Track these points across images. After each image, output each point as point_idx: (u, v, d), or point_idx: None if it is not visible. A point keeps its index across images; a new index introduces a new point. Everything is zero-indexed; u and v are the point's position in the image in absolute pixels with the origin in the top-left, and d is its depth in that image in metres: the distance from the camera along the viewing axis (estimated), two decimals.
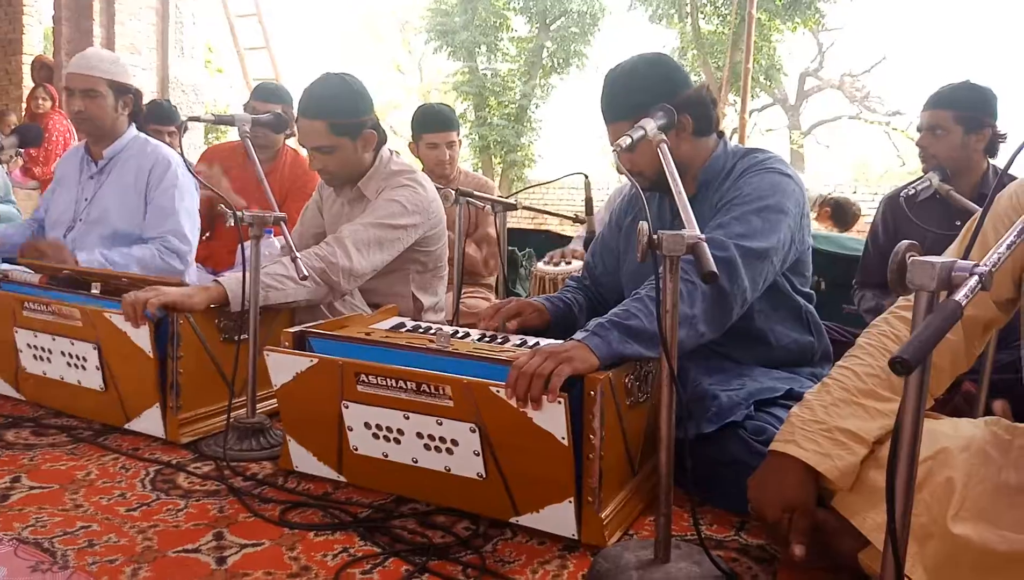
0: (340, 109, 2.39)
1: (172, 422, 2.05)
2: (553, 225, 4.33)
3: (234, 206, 2.01)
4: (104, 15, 8.28)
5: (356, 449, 1.73)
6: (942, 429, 1.34)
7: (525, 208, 3.05)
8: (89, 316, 2.08)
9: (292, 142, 3.66)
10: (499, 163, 19.67)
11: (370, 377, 1.63)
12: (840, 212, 5.10)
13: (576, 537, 1.53)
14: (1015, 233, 1.01)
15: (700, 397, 1.78)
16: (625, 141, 1.57)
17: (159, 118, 4.07)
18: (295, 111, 3.36)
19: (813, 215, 5.12)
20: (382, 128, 2.54)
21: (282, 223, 2.02)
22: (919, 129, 2.51)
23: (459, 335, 1.91)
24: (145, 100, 4.25)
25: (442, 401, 1.55)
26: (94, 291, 2.28)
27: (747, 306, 1.78)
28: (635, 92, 1.86)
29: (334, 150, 2.41)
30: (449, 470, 1.62)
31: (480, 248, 3.55)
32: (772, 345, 1.94)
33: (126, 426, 2.11)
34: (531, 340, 1.84)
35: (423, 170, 3.35)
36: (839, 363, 1.47)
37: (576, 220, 3.10)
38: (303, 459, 1.84)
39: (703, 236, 1.34)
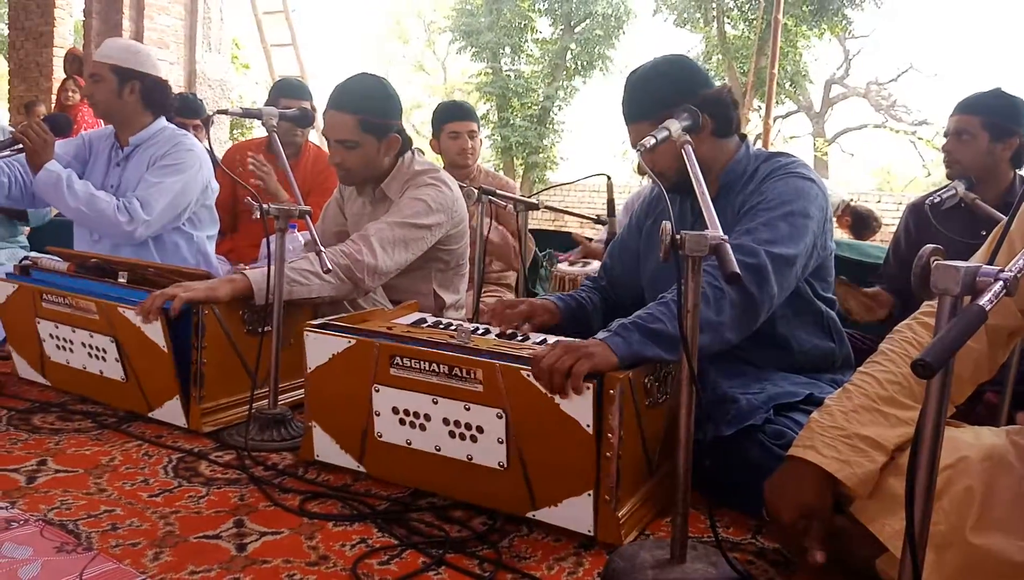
0: (372, 107, 2.41)
1: (195, 411, 2.07)
2: (574, 226, 4.33)
3: (259, 199, 2.03)
4: (133, 9, 8.37)
5: (380, 435, 1.74)
6: (963, 437, 1.33)
7: (547, 208, 3.06)
8: (104, 310, 2.11)
9: (314, 138, 3.70)
10: (521, 164, 19.70)
11: (404, 359, 1.66)
12: (860, 222, 5.07)
13: (592, 533, 1.54)
14: None
15: (719, 400, 1.78)
16: (649, 141, 1.58)
17: (184, 111, 4.12)
18: (318, 107, 3.40)
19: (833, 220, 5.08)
20: (407, 134, 2.55)
21: (307, 217, 2.04)
22: (946, 134, 2.50)
23: (479, 332, 1.93)
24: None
25: (472, 386, 1.58)
26: (121, 280, 2.31)
27: (772, 312, 1.78)
28: (656, 92, 1.87)
29: (358, 146, 2.42)
30: (471, 459, 1.63)
31: (498, 232, 3.55)
32: (793, 350, 1.94)
33: (149, 415, 2.14)
34: (551, 338, 1.85)
35: (444, 163, 3.38)
36: (860, 369, 1.47)
37: (598, 221, 3.10)
38: (325, 447, 1.85)
39: (726, 237, 1.35)
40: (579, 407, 1.48)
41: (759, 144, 9.60)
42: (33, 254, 2.71)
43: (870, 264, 3.10)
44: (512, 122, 19.53)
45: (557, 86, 19.65)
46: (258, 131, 3.44)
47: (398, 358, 1.67)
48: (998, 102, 2.42)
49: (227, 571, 1.38)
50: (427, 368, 1.64)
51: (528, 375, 1.51)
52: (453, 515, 1.64)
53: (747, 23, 18.08)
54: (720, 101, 1.89)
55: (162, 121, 2.92)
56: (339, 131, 2.41)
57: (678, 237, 1.33)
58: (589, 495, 1.52)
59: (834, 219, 5.05)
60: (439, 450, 1.67)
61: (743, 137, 2.00)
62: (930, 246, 1.03)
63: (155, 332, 2.02)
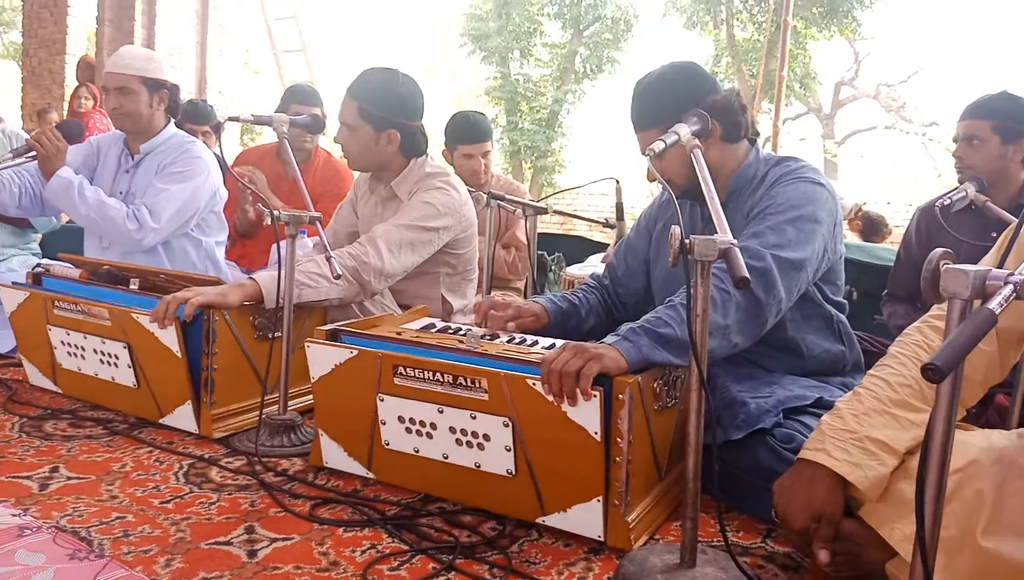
0: (373, 99, 2.45)
1: (205, 417, 2.08)
2: (583, 230, 4.33)
3: (270, 206, 2.04)
4: (145, 16, 8.43)
5: (388, 444, 1.75)
6: (973, 441, 1.32)
7: (556, 212, 3.06)
8: (118, 317, 2.12)
9: (324, 143, 3.71)
10: (529, 168, 19.72)
11: (407, 369, 1.65)
12: (871, 227, 5.08)
13: (602, 539, 1.53)
14: None
15: (728, 403, 1.77)
16: (659, 146, 1.57)
17: (195, 117, 4.14)
18: (329, 113, 3.41)
19: (844, 223, 5.09)
20: (421, 137, 2.55)
21: (317, 223, 2.05)
22: (955, 139, 2.49)
23: (488, 337, 1.93)
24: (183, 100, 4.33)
25: (477, 394, 1.57)
26: (133, 287, 2.33)
27: (781, 316, 1.78)
28: (664, 99, 1.87)
29: (354, 130, 2.46)
30: (479, 466, 1.63)
31: (508, 252, 3.56)
32: (803, 354, 1.94)
33: (160, 421, 2.15)
34: (560, 342, 1.85)
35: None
36: (871, 372, 1.46)
37: (607, 225, 3.10)
38: (334, 455, 1.86)
39: (735, 242, 1.34)
40: (586, 414, 1.47)
41: (768, 147, 9.59)
42: (45, 261, 2.73)
43: (880, 266, 3.09)
44: (521, 126, 19.55)
45: (566, 90, 19.66)
46: (266, 136, 3.49)
47: (401, 368, 1.66)
48: (1007, 104, 2.40)
49: (238, 577, 1.38)
50: (431, 378, 1.63)
51: (534, 383, 1.50)
52: (462, 520, 1.64)
53: (756, 25, 18.05)
54: (728, 106, 1.89)
55: (171, 127, 2.94)
56: (343, 113, 2.48)
57: (687, 242, 1.33)
58: (598, 501, 1.51)
59: (845, 222, 5.05)
60: (447, 458, 1.67)
61: (752, 141, 2.00)
62: (940, 250, 1.02)
63: (169, 338, 2.03)
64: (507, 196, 2.92)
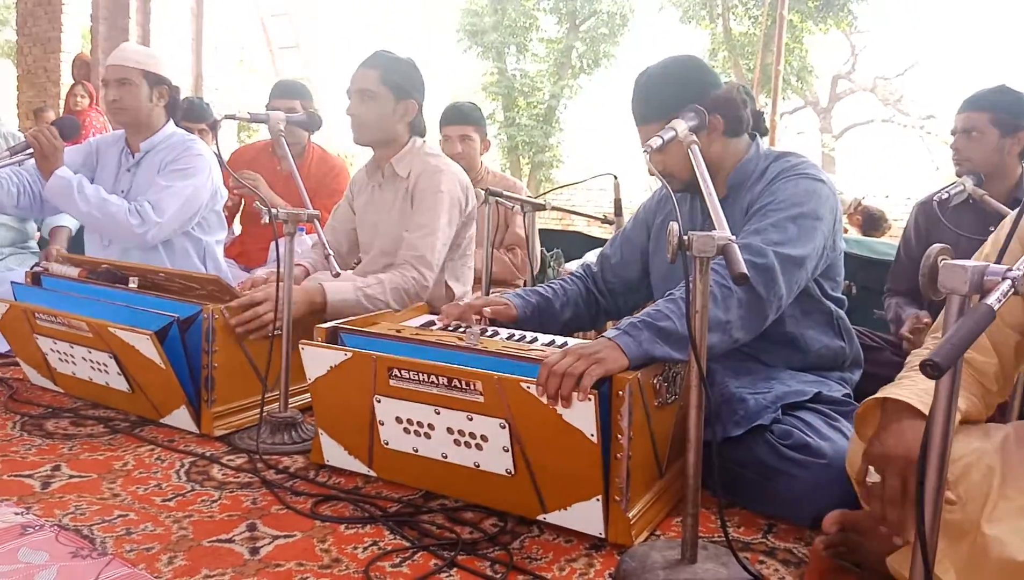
0: (396, 68, 2.52)
1: (206, 415, 2.08)
2: (581, 226, 4.33)
3: (268, 205, 2.04)
4: (140, 13, 8.42)
5: (387, 443, 1.75)
6: (974, 432, 1.33)
7: (554, 208, 3.06)
8: (96, 329, 2.09)
9: (317, 139, 3.71)
10: (527, 164, 19.70)
11: (402, 372, 1.65)
12: (870, 221, 5.09)
13: (603, 536, 1.54)
14: None
15: (727, 400, 1.78)
16: (656, 142, 1.58)
17: (191, 115, 4.09)
18: (315, 106, 3.41)
19: (844, 218, 5.11)
20: (423, 119, 2.64)
21: (315, 221, 2.05)
22: (954, 132, 2.49)
23: (488, 333, 1.93)
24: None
25: (473, 396, 1.57)
26: (132, 285, 2.33)
27: (781, 312, 1.78)
28: (666, 93, 1.87)
29: (375, 98, 2.50)
30: (478, 466, 1.64)
31: (515, 253, 3.56)
32: (803, 349, 1.94)
33: (160, 420, 2.15)
34: (559, 339, 1.85)
35: None
36: (909, 364, 1.44)
37: (605, 221, 3.10)
38: (334, 453, 1.86)
39: (734, 238, 1.35)
40: (582, 417, 1.46)
41: (765, 141, 9.58)
42: (44, 261, 2.73)
43: (879, 261, 3.09)
44: (518, 121, 19.53)
45: (563, 85, 19.64)
46: (262, 134, 3.51)
47: (396, 370, 1.65)
48: (1005, 98, 2.41)
49: (240, 575, 1.39)
50: (426, 380, 1.62)
51: (528, 387, 1.49)
52: (464, 517, 1.64)
53: (752, 20, 18.03)
54: (730, 101, 1.89)
55: (171, 125, 2.94)
56: (360, 81, 2.51)
57: (686, 238, 1.33)
58: (598, 500, 1.52)
59: (844, 217, 5.06)
60: (446, 457, 1.68)
61: (753, 136, 2.00)
62: (937, 245, 1.03)
63: (149, 349, 2.00)
64: (504, 192, 2.92)
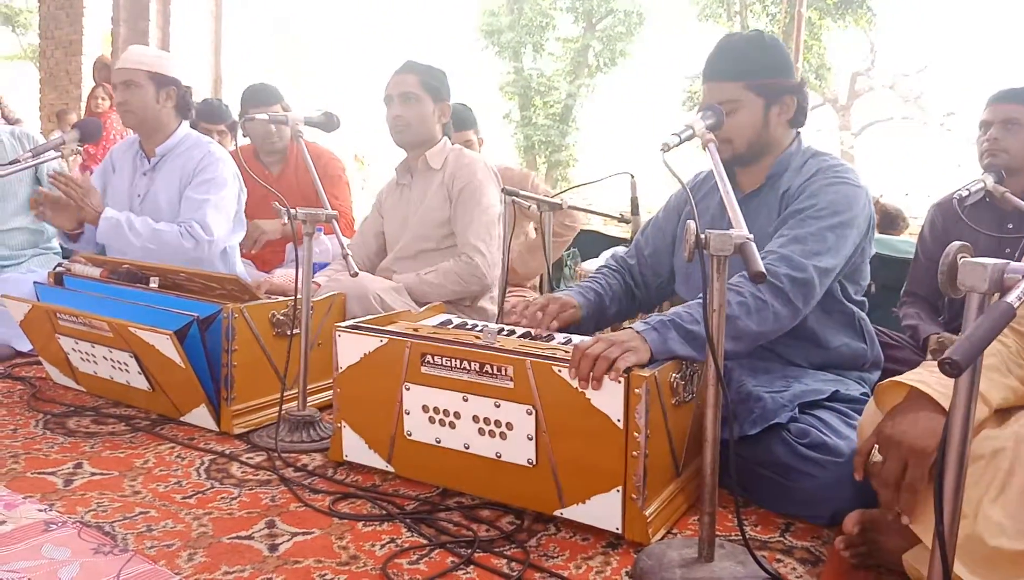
0: (429, 73, 2.74)
1: (226, 413, 2.10)
2: (598, 224, 4.31)
3: (287, 205, 2.06)
4: (160, 16, 8.49)
5: (410, 434, 1.76)
6: (994, 419, 1.32)
7: (571, 208, 3.06)
8: (117, 329, 2.11)
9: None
10: (544, 162, 19.69)
11: (435, 358, 1.69)
12: (887, 220, 5.04)
13: (620, 531, 1.54)
14: None
15: (744, 398, 1.77)
16: (673, 141, 1.59)
17: (210, 116, 4.15)
18: (286, 107, 3.46)
19: None
20: (451, 122, 2.85)
21: (333, 221, 2.06)
22: (983, 125, 2.44)
23: (504, 332, 1.94)
24: (199, 99, 4.34)
25: (503, 382, 1.61)
26: (153, 285, 2.35)
27: None
28: (758, 57, 1.89)
29: (419, 100, 2.70)
30: (500, 456, 1.65)
31: (531, 255, 3.56)
32: (823, 346, 1.93)
33: (180, 419, 2.17)
34: (576, 337, 1.85)
35: None
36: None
37: (622, 220, 3.09)
38: (354, 447, 1.87)
39: (751, 236, 1.34)
40: (610, 401, 1.49)
41: None
42: (65, 261, 2.76)
43: (899, 259, 3.07)
44: (534, 121, 19.53)
45: (579, 84, 19.62)
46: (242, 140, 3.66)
47: (429, 356, 1.69)
48: None
49: (260, 571, 1.40)
50: (458, 366, 1.66)
51: (559, 370, 1.53)
52: (481, 515, 1.65)
53: (770, 17, 17.94)
54: (806, 90, 1.94)
55: (184, 127, 2.96)
56: (402, 85, 2.70)
57: (703, 236, 1.33)
58: (618, 491, 1.52)
59: None
60: (468, 448, 1.69)
61: (797, 132, 2.01)
62: (956, 244, 1.02)
63: (169, 349, 2.02)
64: (521, 192, 2.92)
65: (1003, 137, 2.39)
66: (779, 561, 1.50)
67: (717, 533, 1.42)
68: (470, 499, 1.72)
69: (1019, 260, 0.96)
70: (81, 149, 2.88)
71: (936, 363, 1.35)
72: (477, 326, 1.98)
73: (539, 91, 19.85)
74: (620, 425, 1.49)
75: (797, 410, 1.73)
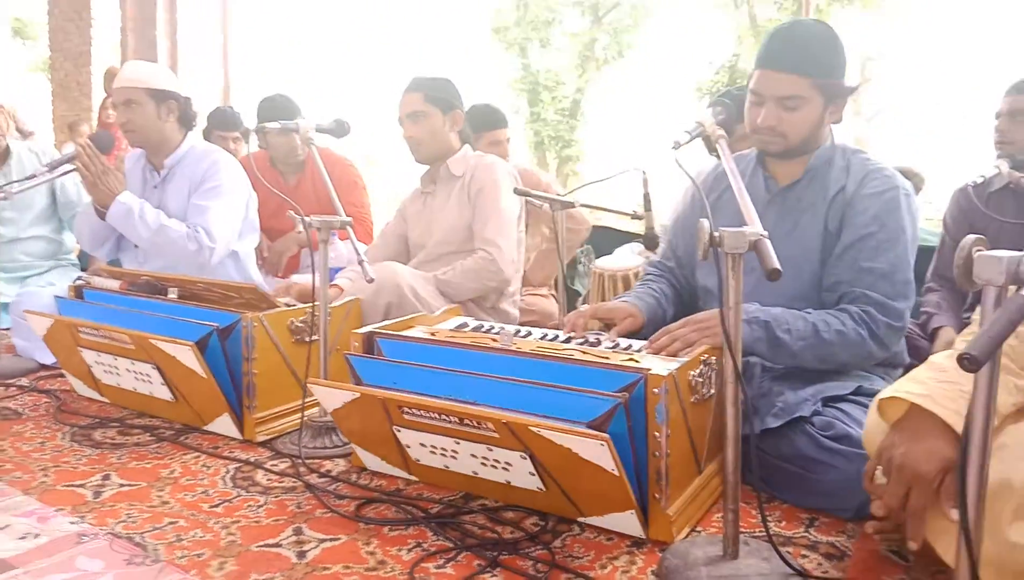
0: (433, 86, 2.77)
1: (249, 421, 2.13)
2: (610, 219, 4.31)
3: (301, 213, 2.08)
4: (168, 25, 8.52)
5: (418, 460, 1.78)
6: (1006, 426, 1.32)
7: (583, 205, 3.07)
8: (138, 341, 2.13)
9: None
10: (554, 158, 19.67)
11: (413, 410, 1.63)
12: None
13: (643, 536, 1.55)
14: None
15: (765, 393, 1.78)
16: (683, 138, 1.60)
17: (223, 124, 4.18)
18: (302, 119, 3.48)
19: None
20: (467, 126, 2.87)
21: (348, 227, 2.08)
22: (998, 115, 2.45)
23: (521, 334, 1.95)
24: (210, 107, 4.37)
25: (487, 433, 1.56)
26: (171, 296, 2.38)
27: None
28: (825, 55, 1.84)
29: (425, 117, 2.74)
30: (510, 483, 1.65)
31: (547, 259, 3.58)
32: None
33: (204, 427, 2.20)
34: (592, 337, 1.86)
35: None
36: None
37: (634, 216, 3.09)
38: (371, 461, 1.90)
39: (765, 233, 1.34)
40: (598, 455, 1.42)
41: None
42: (85, 274, 2.79)
43: (924, 247, 3.05)
44: (543, 116, 19.50)
45: (587, 78, 19.59)
46: (253, 146, 3.74)
47: (406, 409, 1.64)
48: None
49: (289, 578, 1.42)
50: (438, 418, 1.60)
51: (539, 431, 1.44)
52: (505, 517, 1.66)
53: (777, 5, 17.83)
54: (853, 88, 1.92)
55: (191, 139, 2.97)
56: (409, 105, 2.75)
57: (716, 235, 1.33)
58: (632, 513, 1.52)
59: None
60: (476, 474, 1.69)
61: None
62: (972, 236, 1.02)
63: (190, 360, 2.04)
64: (532, 191, 2.94)
65: (1009, 129, 2.40)
66: (804, 556, 1.51)
67: (741, 530, 1.42)
68: (493, 501, 1.73)
69: None
70: None
71: (929, 362, 1.36)
72: (494, 329, 1.99)
73: (547, 86, 19.81)
74: (616, 473, 1.42)
75: (820, 404, 1.73)
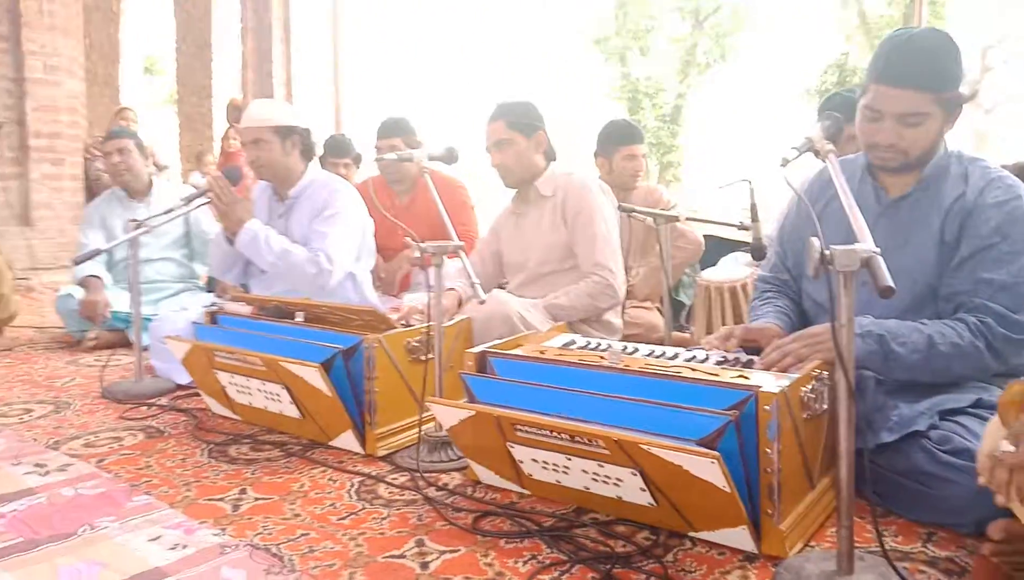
0: (515, 111, 2.84)
1: (370, 436, 2.24)
2: (714, 229, 4.28)
3: (416, 238, 2.18)
4: (283, 56, 8.95)
5: (531, 475, 1.84)
6: None
7: (689, 219, 3.08)
8: (270, 363, 2.27)
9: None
10: (656, 164, 19.53)
11: (526, 428, 1.70)
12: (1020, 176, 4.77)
13: (756, 551, 1.56)
14: None
15: (880, 407, 1.76)
16: (792, 155, 1.62)
17: (336, 151, 4.40)
18: (418, 139, 3.63)
19: None
20: (552, 145, 2.90)
21: (460, 251, 2.17)
22: None
23: (628, 350, 1.98)
24: (323, 133, 4.61)
25: (598, 450, 1.60)
26: (298, 320, 2.53)
27: None
28: (949, 69, 1.78)
29: (510, 144, 2.81)
30: (621, 499, 1.69)
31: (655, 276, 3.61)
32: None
33: (328, 443, 2.33)
34: (700, 353, 1.88)
35: (609, 181, 3.49)
36: None
37: (741, 227, 3.08)
38: (486, 475, 1.97)
39: (877, 250, 1.34)
40: (710, 472, 1.43)
41: None
42: (219, 301, 3.00)
43: None
44: (644, 124, 19.41)
45: (688, 83, 19.38)
46: (369, 171, 3.99)
47: (519, 426, 1.71)
48: None
49: None
50: (550, 435, 1.66)
51: (650, 449, 1.47)
52: (616, 531, 1.70)
53: (888, 1, 17.19)
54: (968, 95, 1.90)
55: (312, 170, 3.16)
56: (493, 135, 2.84)
57: (827, 253, 1.33)
58: (744, 528, 1.53)
59: None
60: (588, 489, 1.73)
61: None
62: None
63: (317, 380, 2.16)
64: (636, 208, 2.99)
65: None
66: (922, 572, 1.48)
67: (856, 545, 1.42)
68: (604, 515, 1.77)
69: None
70: None
71: None
72: (601, 345, 2.04)
73: (647, 93, 19.72)
74: (728, 490, 1.44)
75: (937, 417, 1.70)
